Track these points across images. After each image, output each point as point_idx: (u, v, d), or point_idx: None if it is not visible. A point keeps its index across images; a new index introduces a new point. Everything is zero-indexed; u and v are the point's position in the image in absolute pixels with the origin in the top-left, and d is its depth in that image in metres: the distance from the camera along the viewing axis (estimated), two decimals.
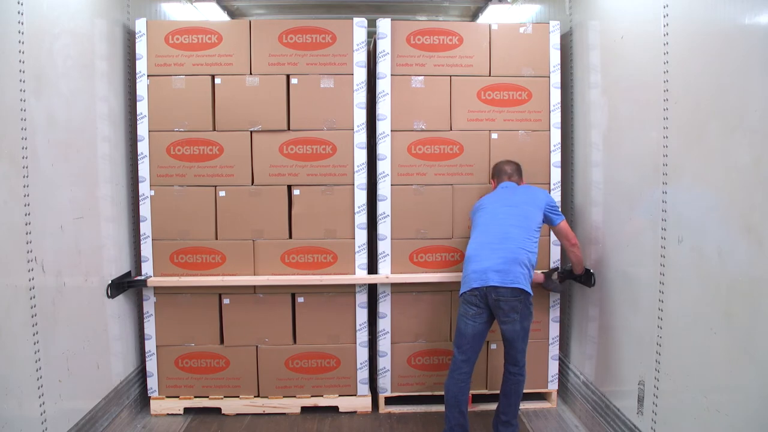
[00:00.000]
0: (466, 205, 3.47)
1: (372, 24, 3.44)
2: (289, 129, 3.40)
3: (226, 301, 3.48)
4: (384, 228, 3.45)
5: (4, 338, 2.23)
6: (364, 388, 3.56)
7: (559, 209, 3.24)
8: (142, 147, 3.38)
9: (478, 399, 3.61)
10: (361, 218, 3.44)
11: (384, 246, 3.45)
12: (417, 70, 3.43)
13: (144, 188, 3.39)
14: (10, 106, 2.33)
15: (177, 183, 3.41)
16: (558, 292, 3.51)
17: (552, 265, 3.53)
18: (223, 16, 4.60)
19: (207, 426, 3.40)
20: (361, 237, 3.44)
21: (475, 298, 2.95)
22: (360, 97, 3.41)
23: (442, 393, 3.56)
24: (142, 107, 3.37)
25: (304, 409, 3.55)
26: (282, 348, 3.52)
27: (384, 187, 3.43)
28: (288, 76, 3.39)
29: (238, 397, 3.53)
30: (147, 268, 3.42)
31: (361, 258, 3.45)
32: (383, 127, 3.42)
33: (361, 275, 3.45)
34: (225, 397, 3.52)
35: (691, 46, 2.34)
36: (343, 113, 3.41)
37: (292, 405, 3.54)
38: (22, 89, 2.39)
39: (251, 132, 3.40)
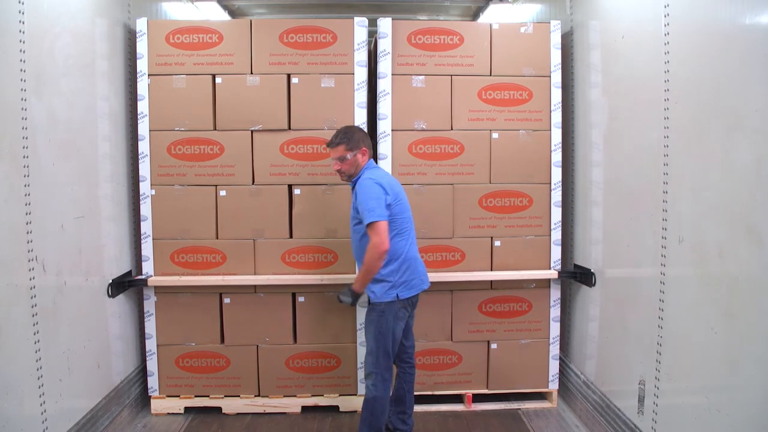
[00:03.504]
0: (467, 205, 3.47)
1: (373, 23, 3.44)
2: (289, 128, 3.40)
3: (226, 300, 3.48)
4: None
5: (4, 337, 2.23)
6: (364, 388, 3.55)
7: None
8: (143, 146, 3.38)
9: (478, 399, 3.61)
10: None
11: None
12: (418, 69, 3.43)
13: (145, 187, 3.39)
14: (11, 105, 2.33)
15: (178, 182, 3.41)
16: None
17: (553, 266, 3.53)
18: (224, 16, 4.61)
19: (207, 425, 3.40)
20: None
21: (416, 299, 3.02)
22: (361, 96, 3.41)
23: (443, 393, 3.60)
24: (142, 106, 3.37)
25: (305, 409, 3.55)
26: (282, 347, 3.52)
27: None
28: (289, 76, 3.39)
29: (239, 396, 3.53)
30: (147, 268, 3.43)
31: None
32: (384, 126, 3.42)
33: None
34: (225, 396, 3.53)
35: (691, 46, 2.34)
36: (344, 113, 3.40)
37: (293, 404, 3.54)
38: (23, 88, 2.39)
39: (252, 131, 3.40)
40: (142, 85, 3.37)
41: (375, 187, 2.81)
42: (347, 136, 2.92)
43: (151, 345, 3.49)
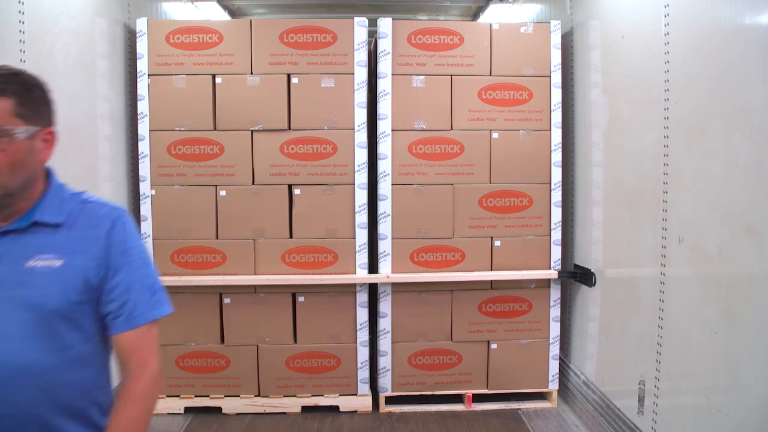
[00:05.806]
0: (467, 205, 3.47)
1: (373, 23, 3.45)
2: (289, 128, 3.41)
3: (226, 300, 3.48)
4: (384, 227, 3.45)
5: None
6: (364, 388, 3.56)
7: None
8: (143, 146, 3.38)
9: (478, 399, 3.61)
10: (361, 218, 3.44)
11: (385, 245, 3.45)
12: (418, 69, 3.43)
13: (145, 187, 3.39)
14: None
15: (178, 182, 3.41)
16: None
17: (553, 266, 3.53)
18: (224, 16, 4.60)
19: (207, 425, 3.40)
20: (361, 236, 3.44)
21: None
22: (361, 96, 3.41)
23: (443, 393, 3.60)
24: (142, 106, 3.37)
25: (305, 409, 3.55)
26: (282, 347, 3.51)
27: (385, 187, 3.43)
28: (289, 76, 3.39)
29: (239, 396, 3.53)
30: None
31: (362, 257, 3.45)
32: (384, 126, 3.42)
33: (361, 275, 3.44)
34: (225, 396, 3.52)
35: (691, 46, 2.34)
36: (344, 113, 3.40)
37: (293, 404, 3.54)
38: None
39: (252, 131, 3.40)
40: (142, 85, 3.37)
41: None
42: (24, 87, 1.31)
43: None
